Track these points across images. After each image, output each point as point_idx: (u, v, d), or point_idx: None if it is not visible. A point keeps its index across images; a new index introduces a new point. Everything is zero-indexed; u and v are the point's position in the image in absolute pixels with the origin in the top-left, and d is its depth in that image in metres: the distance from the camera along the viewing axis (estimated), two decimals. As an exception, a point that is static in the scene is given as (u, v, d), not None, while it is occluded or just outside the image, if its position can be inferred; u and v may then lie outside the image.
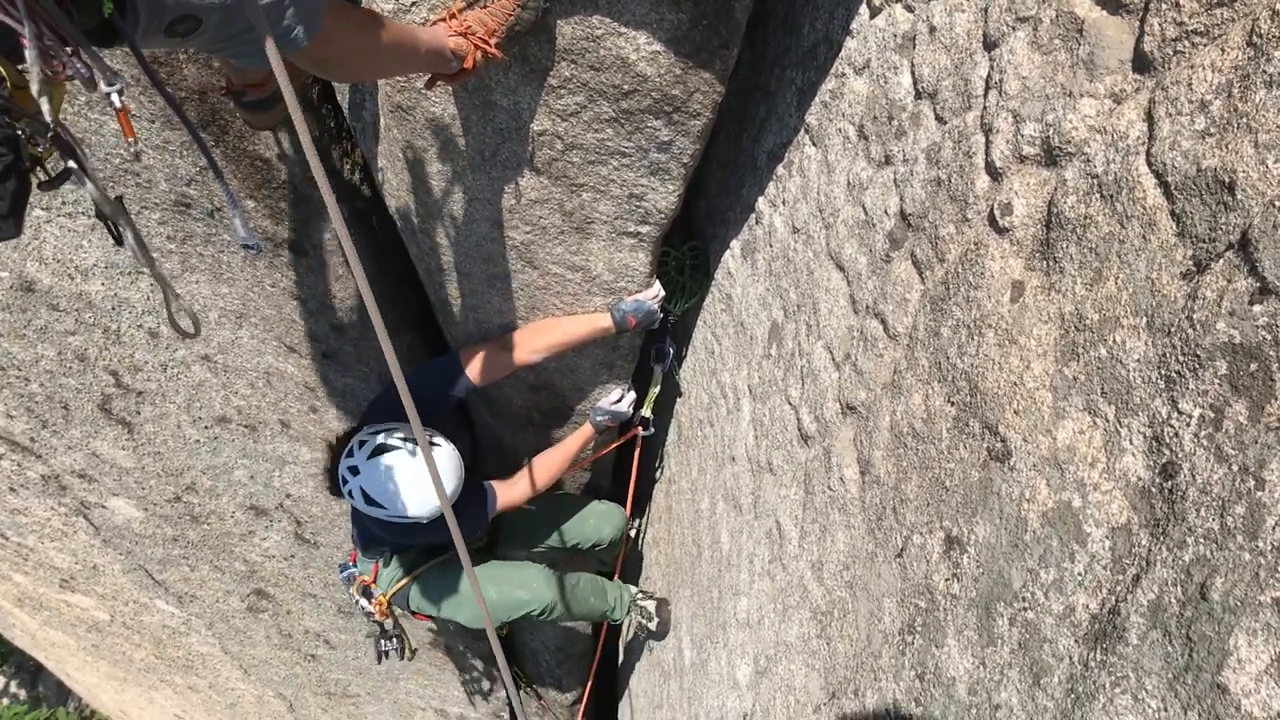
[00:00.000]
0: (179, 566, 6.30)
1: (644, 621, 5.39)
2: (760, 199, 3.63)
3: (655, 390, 4.98)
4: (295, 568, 6.34)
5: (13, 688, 16.86)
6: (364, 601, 4.88)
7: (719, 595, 4.08)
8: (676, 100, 3.17)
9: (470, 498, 4.41)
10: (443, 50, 2.70)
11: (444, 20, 2.77)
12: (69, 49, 1.71)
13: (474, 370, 4.32)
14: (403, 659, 5.29)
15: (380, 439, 3.95)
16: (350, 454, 3.98)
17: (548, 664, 7.53)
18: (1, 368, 4.66)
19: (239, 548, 6.11)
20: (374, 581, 4.85)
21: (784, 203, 3.37)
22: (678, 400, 5.09)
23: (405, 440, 3.95)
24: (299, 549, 6.17)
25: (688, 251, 4.36)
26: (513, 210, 3.75)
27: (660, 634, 5.34)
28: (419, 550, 4.81)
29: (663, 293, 4.16)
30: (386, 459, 3.91)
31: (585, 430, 4.85)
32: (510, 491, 4.62)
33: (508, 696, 7.59)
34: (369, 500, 3.96)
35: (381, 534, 4.39)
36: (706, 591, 4.36)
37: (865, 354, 2.60)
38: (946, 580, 2.03)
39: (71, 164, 1.89)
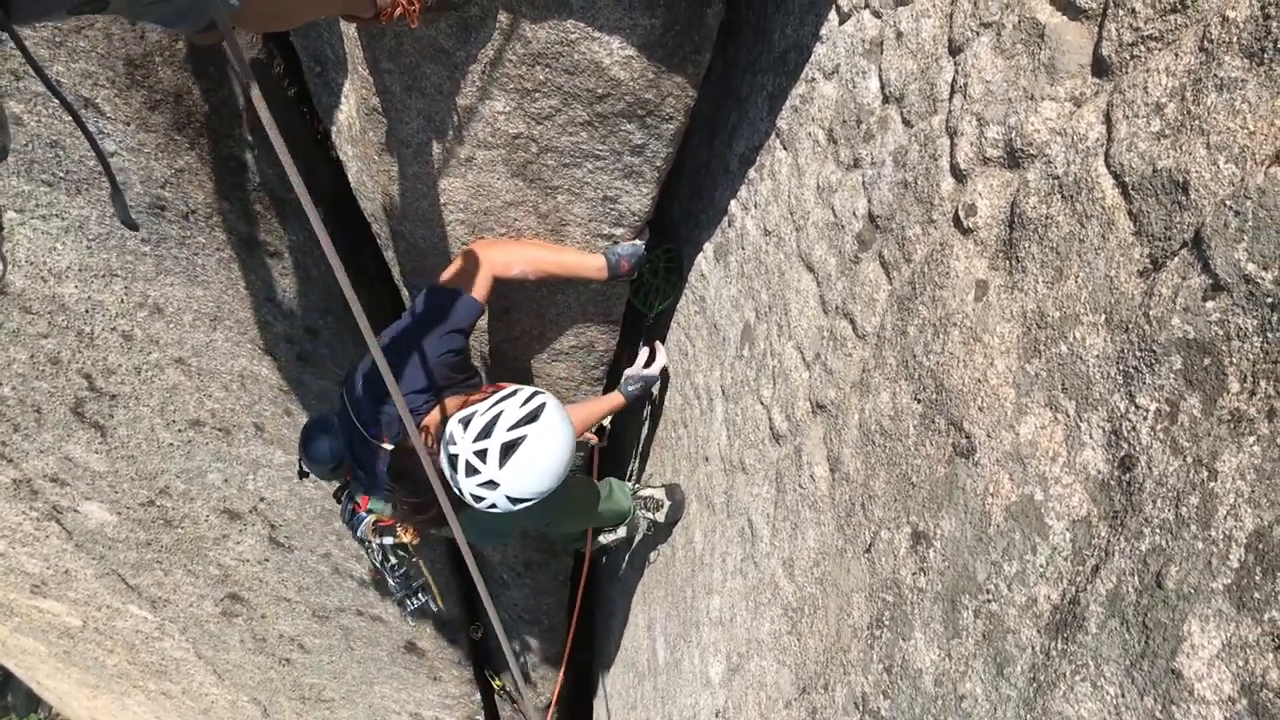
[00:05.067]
0: (152, 571, 6.28)
1: (652, 515, 4.87)
2: (732, 202, 3.66)
3: None
4: (270, 571, 6.33)
5: (-19, 696, 16.71)
6: (385, 540, 4.38)
7: (692, 594, 4.11)
8: (650, 104, 3.21)
9: None
10: None
11: None
12: None
13: (478, 286, 3.81)
14: (438, 609, 4.94)
15: (508, 434, 3.35)
16: (473, 471, 3.37)
17: (523, 667, 7.54)
18: (-28, 371, 4.65)
19: (213, 552, 6.10)
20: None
21: (756, 205, 3.41)
22: (652, 402, 5.12)
23: (517, 425, 3.37)
24: (273, 553, 6.16)
25: (661, 254, 4.39)
26: (488, 213, 3.77)
27: (673, 518, 4.80)
28: None
29: (647, 236, 3.99)
30: (522, 453, 3.36)
31: (614, 398, 4.50)
32: None
33: (481, 699, 7.61)
34: (515, 502, 3.45)
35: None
36: (680, 591, 4.38)
37: (835, 353, 2.63)
38: (913, 574, 2.06)
39: None
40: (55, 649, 7.80)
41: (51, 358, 4.64)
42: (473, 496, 3.39)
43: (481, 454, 3.32)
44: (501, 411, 3.36)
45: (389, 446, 3.70)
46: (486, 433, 3.33)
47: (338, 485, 4.52)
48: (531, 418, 3.37)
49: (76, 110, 2.57)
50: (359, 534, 4.44)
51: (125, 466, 5.34)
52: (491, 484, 3.34)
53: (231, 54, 1.71)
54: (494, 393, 3.47)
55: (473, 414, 3.38)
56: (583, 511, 4.64)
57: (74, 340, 4.57)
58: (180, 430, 5.18)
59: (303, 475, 4.48)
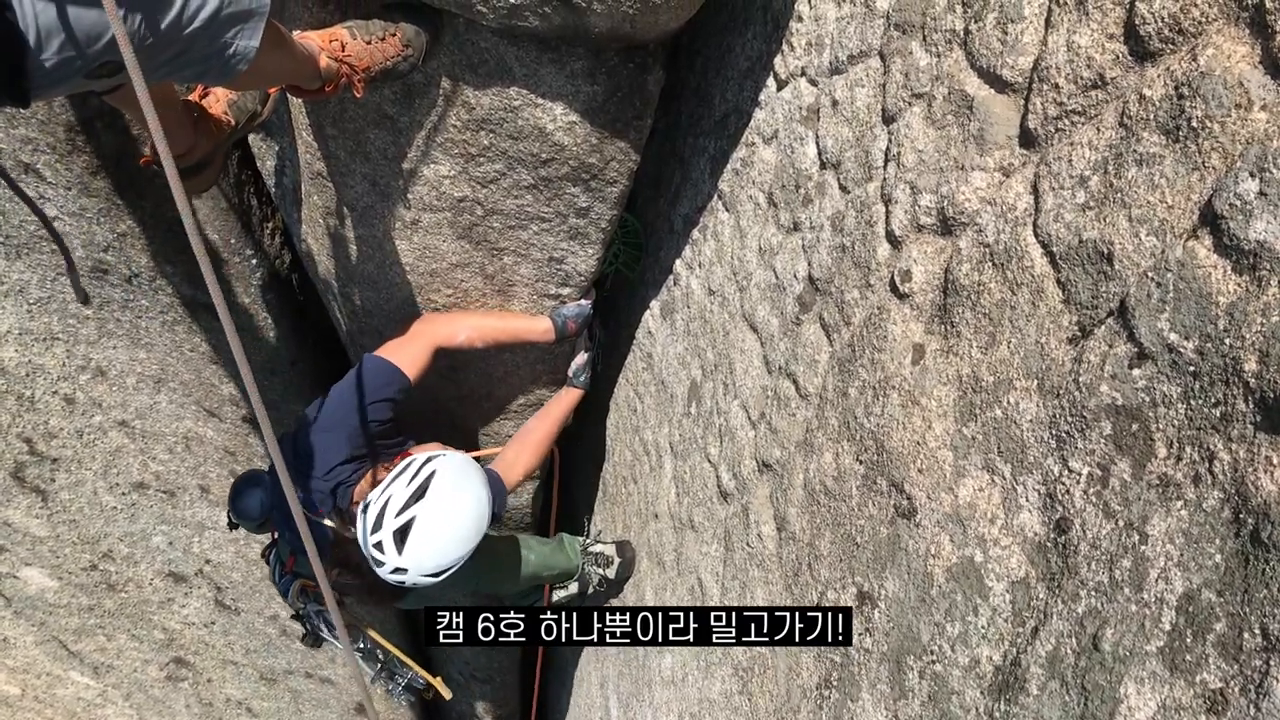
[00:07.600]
0: (95, 636, 6.14)
1: (603, 571, 4.79)
2: (678, 261, 3.70)
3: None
4: (215, 635, 6.22)
5: (-85, 769, 16.16)
6: (313, 607, 4.27)
7: (644, 653, 4.09)
8: (593, 168, 3.24)
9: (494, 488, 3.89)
10: (315, 66, 2.70)
11: (322, 37, 2.75)
12: None
13: (412, 359, 3.81)
14: (429, 694, 4.81)
15: (396, 520, 3.28)
16: (379, 563, 3.32)
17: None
18: (-92, 438, 4.56)
19: (157, 615, 5.98)
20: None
21: (700, 265, 3.45)
22: (604, 459, 5.12)
23: (410, 502, 3.31)
24: (219, 615, 6.06)
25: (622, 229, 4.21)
26: (435, 274, 3.78)
27: (624, 575, 4.75)
28: None
29: (594, 296, 4.00)
30: (415, 534, 3.30)
31: (572, 393, 4.44)
32: (510, 474, 4.13)
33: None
34: (435, 576, 3.41)
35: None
36: (631, 649, 4.36)
37: (779, 413, 2.66)
38: (859, 635, 2.08)
39: None
40: (-8, 720, 7.60)
41: (-10, 422, 4.57)
42: (394, 581, 3.36)
43: (379, 545, 3.29)
44: (390, 497, 3.33)
45: (328, 523, 3.68)
46: (378, 524, 3.29)
47: (266, 543, 4.45)
48: (419, 494, 3.31)
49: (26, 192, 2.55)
50: (289, 601, 4.32)
51: (67, 531, 5.24)
52: (400, 569, 3.31)
53: (143, 107, 1.71)
54: (393, 468, 3.43)
55: (369, 501, 3.35)
56: (511, 568, 4.56)
57: (14, 404, 4.50)
58: (124, 493, 5.10)
59: (233, 526, 4.43)
